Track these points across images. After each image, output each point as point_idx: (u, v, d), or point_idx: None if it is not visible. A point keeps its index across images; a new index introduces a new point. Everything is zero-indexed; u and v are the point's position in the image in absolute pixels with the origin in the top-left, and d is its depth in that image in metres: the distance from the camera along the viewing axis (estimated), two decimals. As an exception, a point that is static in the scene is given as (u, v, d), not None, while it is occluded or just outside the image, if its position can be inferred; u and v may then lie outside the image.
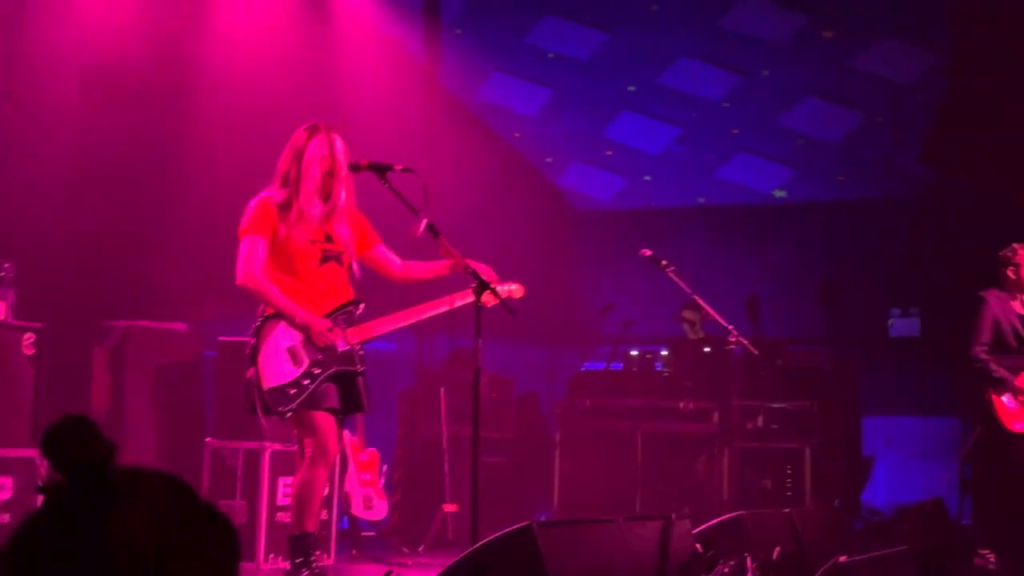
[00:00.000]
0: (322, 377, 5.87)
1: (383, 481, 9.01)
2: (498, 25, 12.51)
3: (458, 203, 11.66)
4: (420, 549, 9.18)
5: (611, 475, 10.27)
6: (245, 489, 7.73)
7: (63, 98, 9.00)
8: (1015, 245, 8.64)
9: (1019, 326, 8.57)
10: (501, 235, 13.02)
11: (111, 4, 9.34)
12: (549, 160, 14.88)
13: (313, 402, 5.86)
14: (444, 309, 6.15)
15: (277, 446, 7.65)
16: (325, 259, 6.01)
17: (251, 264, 5.89)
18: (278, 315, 5.88)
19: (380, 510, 8.92)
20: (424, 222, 5.71)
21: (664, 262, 7.94)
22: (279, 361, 5.84)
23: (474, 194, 12.89)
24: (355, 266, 6.17)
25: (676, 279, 7.92)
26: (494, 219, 13.03)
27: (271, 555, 7.79)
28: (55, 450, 1.77)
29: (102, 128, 9.13)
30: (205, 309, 9.23)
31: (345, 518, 8.82)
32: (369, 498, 8.83)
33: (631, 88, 13.24)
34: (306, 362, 5.86)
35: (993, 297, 8.66)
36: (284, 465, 7.80)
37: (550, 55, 12.79)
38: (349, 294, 6.10)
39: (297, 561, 5.94)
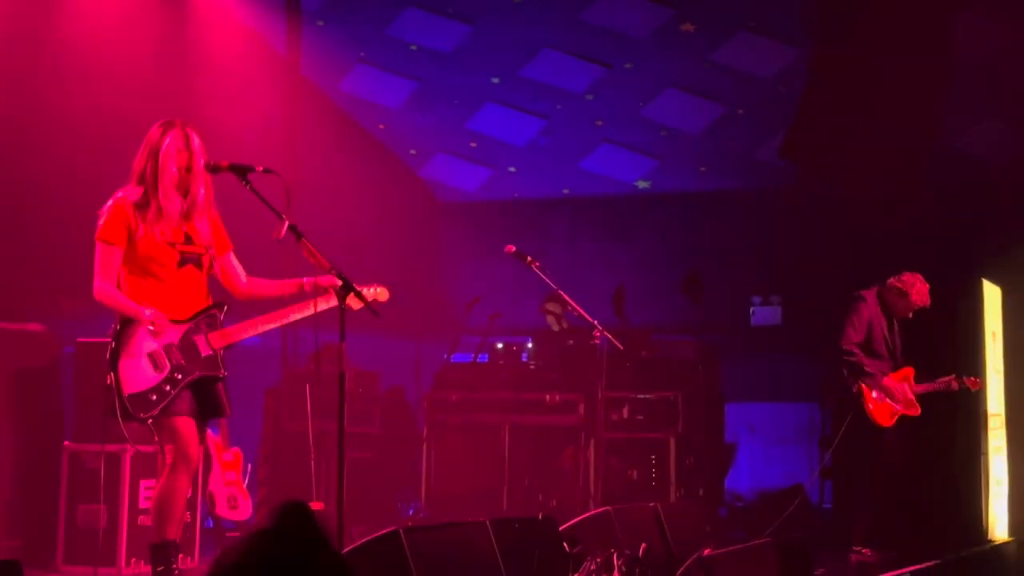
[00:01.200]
0: (184, 383, 5.78)
1: (247, 480, 8.91)
2: (361, 16, 12.41)
3: (322, 197, 11.57)
4: (286, 548, 9.10)
5: (479, 468, 10.29)
6: (106, 492, 7.57)
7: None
8: (905, 276, 9.07)
9: (888, 336, 9.03)
10: (366, 228, 12.95)
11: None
12: (413, 152, 14.82)
13: (174, 408, 5.76)
14: (307, 313, 6.09)
15: (139, 447, 7.50)
16: (184, 262, 5.90)
17: (105, 277, 5.78)
18: (133, 323, 5.77)
19: (245, 509, 8.82)
20: (286, 224, 5.63)
21: (529, 258, 7.97)
22: (140, 366, 5.73)
23: (339, 187, 12.80)
24: (216, 267, 6.08)
25: (541, 275, 7.95)
26: (359, 212, 12.95)
27: (132, 559, 7.65)
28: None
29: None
30: (62, 308, 9.02)
31: (210, 518, 8.70)
32: (234, 497, 8.73)
33: (495, 80, 13.24)
34: (168, 367, 5.76)
35: (871, 299, 9.04)
36: (146, 468, 7.67)
37: (413, 47, 12.73)
38: (211, 297, 6.01)
39: (159, 570, 5.84)
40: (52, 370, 8.33)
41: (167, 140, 5.87)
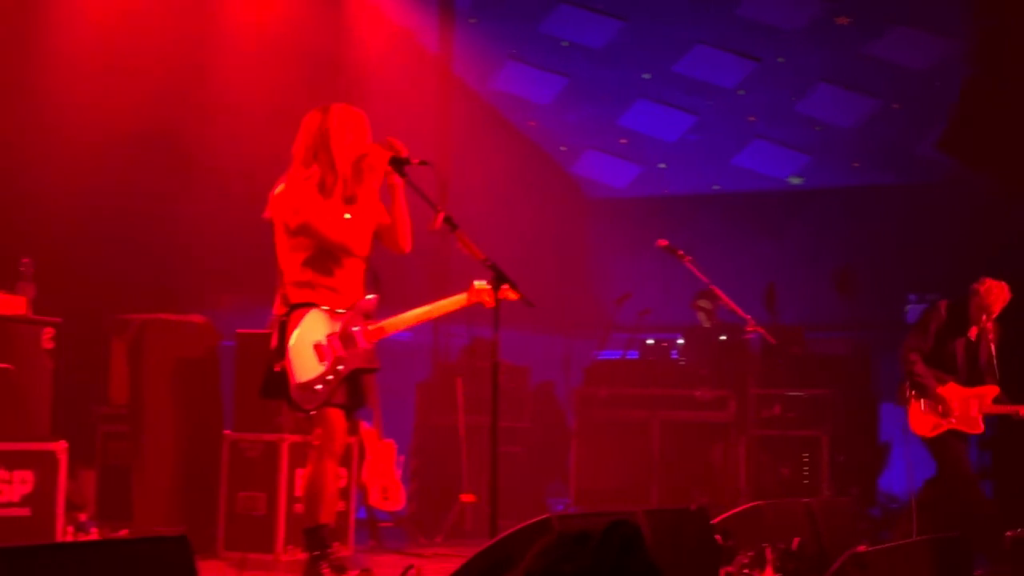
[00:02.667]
0: (343, 374, 5.85)
1: (400, 471, 9.03)
2: (512, 14, 12.48)
3: (473, 193, 11.67)
4: (438, 539, 9.21)
5: (628, 464, 10.29)
6: (264, 481, 7.74)
7: (80, 95, 9.02)
8: (985, 279, 8.75)
9: (964, 348, 8.77)
10: (517, 224, 13.02)
11: (123, 4, 9.35)
12: (564, 148, 14.86)
13: (332, 399, 5.85)
14: (461, 306, 6.14)
15: (295, 438, 7.66)
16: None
17: (350, 236, 5.86)
18: (303, 307, 5.85)
19: (398, 500, 8.93)
20: (442, 215, 5.71)
21: (680, 251, 7.95)
22: (307, 357, 5.81)
23: (489, 184, 12.89)
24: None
25: (692, 268, 7.93)
26: (509, 208, 13.03)
27: (289, 546, 7.81)
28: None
29: (118, 124, 9.15)
30: (223, 301, 9.25)
31: (363, 509, 8.83)
32: (386, 488, 8.84)
33: (646, 76, 13.21)
34: (330, 359, 5.83)
35: (943, 308, 8.86)
36: (303, 457, 7.82)
37: (564, 43, 12.76)
38: (368, 289, 6.06)
39: (315, 554, 5.95)
40: (212, 360, 8.54)
41: (335, 122, 5.94)
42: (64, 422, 7.22)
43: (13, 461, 6.71)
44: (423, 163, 5.92)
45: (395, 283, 6.44)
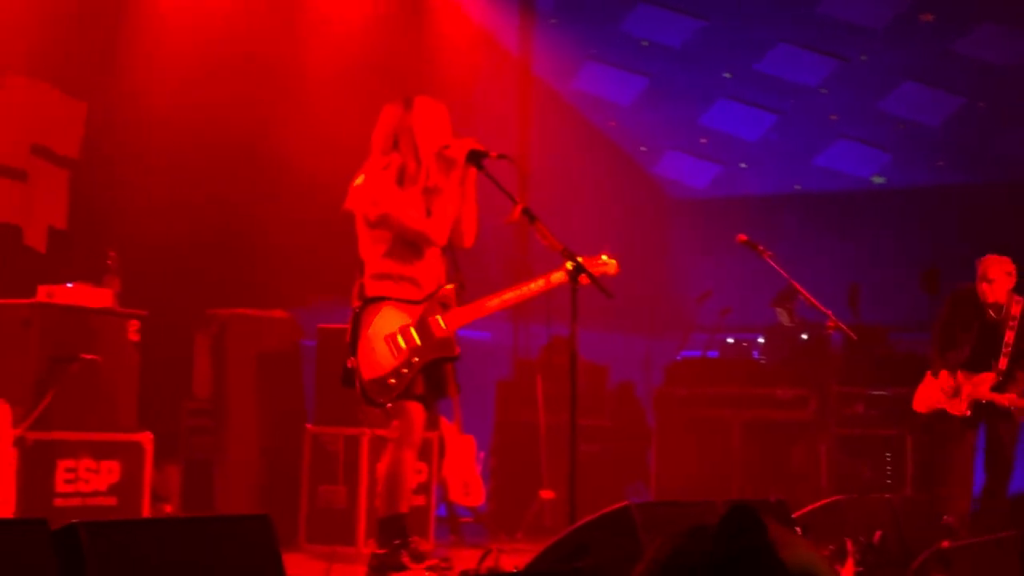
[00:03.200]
0: (419, 366, 5.85)
1: (480, 468, 9.06)
2: (593, 14, 12.49)
3: (552, 192, 11.69)
4: (518, 535, 9.23)
5: (708, 463, 10.25)
6: (345, 474, 7.82)
7: (167, 93, 9.16)
8: (988, 257, 8.65)
9: (977, 333, 8.60)
10: (596, 224, 13.02)
11: (207, 5, 9.48)
12: (644, 149, 14.84)
13: (407, 391, 5.87)
14: (540, 291, 6.12)
15: (376, 431, 7.72)
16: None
17: (429, 226, 5.90)
18: (377, 300, 5.88)
19: (478, 496, 8.96)
20: (520, 207, 5.73)
21: (761, 247, 7.91)
22: (379, 350, 5.83)
23: (569, 184, 12.90)
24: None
25: (773, 264, 7.89)
26: (590, 209, 13.02)
27: (370, 539, 7.86)
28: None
29: (203, 120, 9.28)
30: (305, 297, 9.34)
31: (443, 504, 8.87)
32: (467, 484, 8.88)
33: (727, 75, 13.16)
34: (405, 351, 5.84)
35: (957, 293, 8.81)
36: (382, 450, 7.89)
37: (644, 43, 12.75)
38: (447, 278, 6.06)
39: (395, 543, 5.98)
40: (295, 355, 8.64)
41: (419, 113, 5.98)
42: (150, 415, 7.34)
43: (101, 451, 6.84)
44: (502, 157, 5.94)
45: (474, 275, 6.45)
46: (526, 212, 5.72)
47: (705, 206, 15.08)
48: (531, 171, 11.35)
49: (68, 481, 6.67)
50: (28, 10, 8.37)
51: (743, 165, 14.70)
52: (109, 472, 6.87)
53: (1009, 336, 8.48)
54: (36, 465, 6.53)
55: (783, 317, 11.14)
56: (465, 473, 8.90)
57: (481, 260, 6.94)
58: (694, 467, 10.32)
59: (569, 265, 5.72)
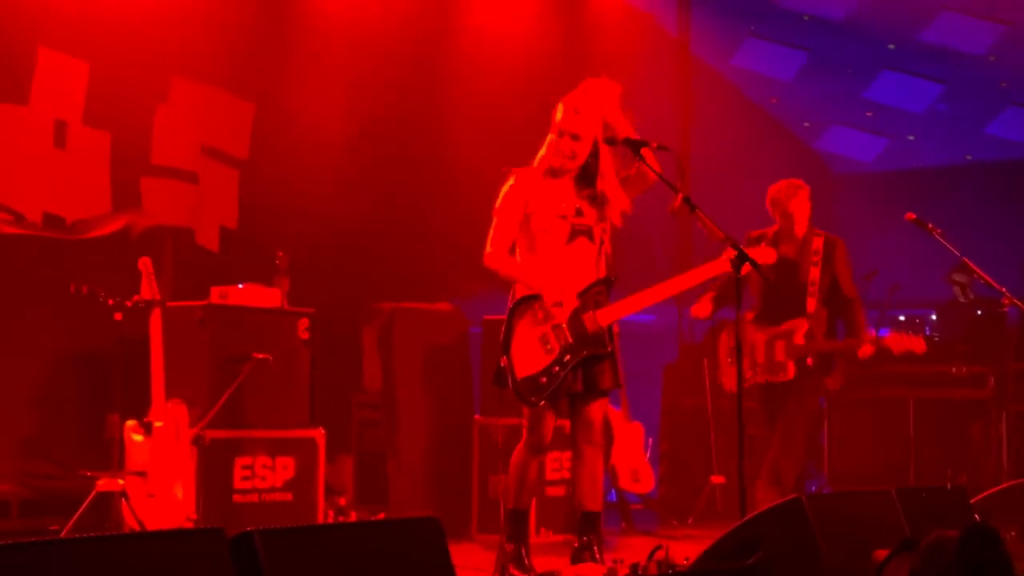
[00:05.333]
0: (572, 363, 5.80)
1: (649, 454, 9.04)
2: (751, -10, 12.34)
3: (716, 172, 11.58)
4: (689, 521, 9.19)
5: (882, 444, 10.07)
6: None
7: (329, 90, 9.31)
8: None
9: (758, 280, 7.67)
10: (760, 202, 12.86)
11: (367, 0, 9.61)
12: (807, 124, 14.60)
13: (560, 389, 5.82)
14: (698, 282, 6.09)
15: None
16: (574, 235, 5.94)
17: (496, 245, 5.94)
18: (530, 300, 5.88)
19: (647, 482, 8.95)
20: (680, 197, 5.69)
21: (930, 225, 7.73)
22: (531, 349, 5.81)
23: (732, 162, 12.76)
24: (607, 241, 6.08)
25: (943, 242, 7.69)
26: (753, 186, 12.85)
27: (542, 528, 7.91)
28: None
29: (366, 119, 9.42)
30: (470, 288, 9.41)
31: (612, 491, 8.88)
32: (636, 471, 8.87)
33: (891, 47, 12.87)
34: (557, 349, 5.80)
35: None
36: (552, 440, 7.92)
37: (805, 17, 12.53)
38: (600, 271, 6.02)
39: (508, 534, 6.00)
40: (462, 347, 8.71)
41: (560, 115, 5.98)
42: (322, 410, 7.48)
43: (275, 448, 7.00)
44: (661, 148, 5.90)
45: (638, 264, 6.43)
46: (686, 201, 5.68)
47: (872, 180, 14.78)
48: (692, 151, 11.26)
49: (245, 478, 6.84)
50: (196, 15, 8.59)
51: (911, 137, 14.36)
52: (284, 468, 7.02)
53: (814, 271, 7.72)
54: (214, 464, 6.71)
55: (957, 293, 10.87)
56: (634, 460, 8.89)
57: (645, 249, 6.90)
58: (868, 448, 10.14)
59: (731, 253, 5.66)
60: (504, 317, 5.88)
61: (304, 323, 7.30)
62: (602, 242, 6.01)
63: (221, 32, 8.74)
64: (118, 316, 6.47)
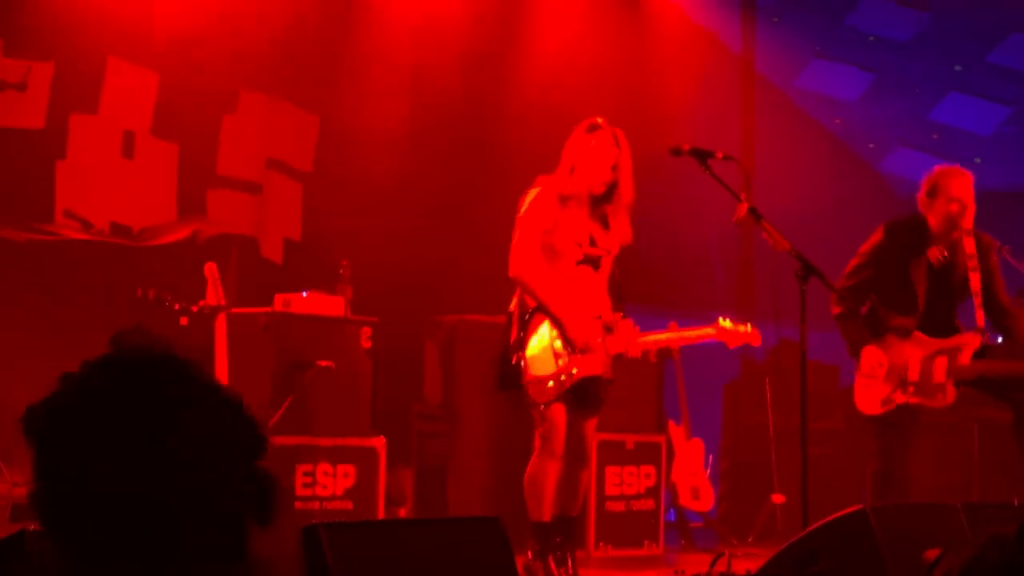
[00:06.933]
0: (576, 378, 5.95)
1: (709, 471, 8.99)
2: (816, 10, 12.28)
3: (777, 191, 11.52)
4: (749, 540, 9.12)
5: (945, 464, 9.95)
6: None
7: (392, 101, 9.36)
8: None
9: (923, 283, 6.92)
10: (823, 223, 12.79)
11: (428, 11, 9.65)
12: (872, 146, 14.50)
13: (560, 397, 5.95)
14: (707, 339, 6.25)
15: (604, 436, 7.71)
16: (582, 261, 6.06)
17: (523, 255, 6.00)
18: (544, 310, 5.97)
19: (707, 500, 8.90)
20: (745, 206, 5.69)
21: (999, 245, 7.65)
22: (544, 354, 5.96)
23: (795, 183, 12.70)
24: (617, 272, 6.22)
25: (1013, 261, 7.62)
26: (816, 208, 12.80)
27: (601, 543, 7.89)
28: None
29: (427, 130, 9.46)
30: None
31: (672, 509, 8.83)
32: (696, 488, 8.83)
33: (958, 68, 12.77)
34: (567, 360, 5.94)
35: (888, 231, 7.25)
36: (612, 455, 7.92)
37: (871, 38, 12.47)
38: (605, 301, 6.11)
39: (535, 549, 6.04)
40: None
41: (594, 140, 6.03)
42: (383, 420, 7.50)
43: (337, 456, 7.02)
44: (727, 158, 5.94)
45: (699, 274, 6.43)
46: (752, 211, 5.68)
47: (937, 203, 14.65)
48: (755, 170, 11.21)
49: (306, 485, 6.87)
50: (261, 28, 8.67)
51: (977, 160, 14.23)
52: (345, 476, 7.04)
53: (975, 278, 6.69)
54: (276, 469, 6.71)
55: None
56: (693, 477, 8.85)
57: (707, 260, 6.88)
58: (930, 470, 10.02)
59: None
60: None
61: (367, 332, 7.33)
62: (613, 273, 6.13)
63: (288, 45, 8.82)
64: (183, 321, 6.53)
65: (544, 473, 6.06)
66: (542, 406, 5.94)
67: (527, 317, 6.01)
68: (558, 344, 5.95)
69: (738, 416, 10.21)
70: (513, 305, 6.14)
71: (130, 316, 7.21)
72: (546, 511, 6.08)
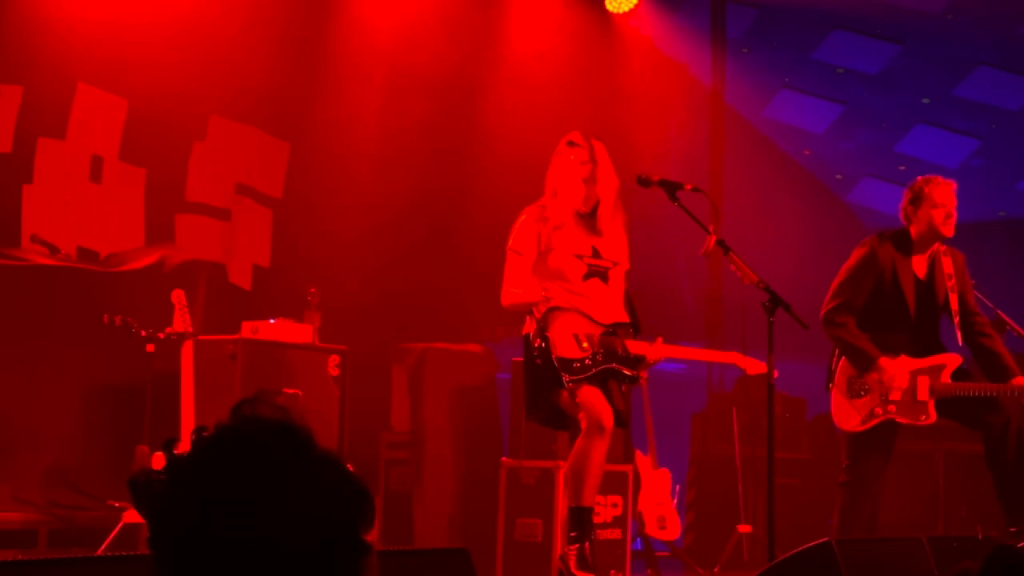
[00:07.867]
0: (602, 364, 5.95)
1: (676, 501, 8.99)
2: (786, 42, 12.37)
3: (747, 222, 11.58)
4: (715, 570, 9.12)
5: (911, 496, 9.98)
6: (540, 507, 7.83)
7: (362, 129, 9.37)
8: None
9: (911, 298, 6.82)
10: (791, 253, 12.86)
11: (399, 39, 9.67)
12: (839, 177, 14.59)
13: (589, 380, 5.93)
14: (726, 362, 6.26)
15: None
16: (589, 275, 6.08)
17: (513, 285, 6.03)
18: (563, 309, 5.98)
19: (674, 530, 8.89)
20: (714, 239, 5.71)
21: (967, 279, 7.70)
22: (567, 340, 5.97)
23: (763, 213, 12.77)
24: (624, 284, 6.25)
25: (978, 295, 7.68)
26: (783, 237, 12.87)
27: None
28: None
29: (397, 158, 9.47)
30: (497, 335, 9.42)
31: (639, 539, 8.82)
32: (662, 518, 8.82)
33: (925, 100, 12.88)
34: (590, 348, 5.97)
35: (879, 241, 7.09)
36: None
37: (839, 70, 12.57)
38: (620, 312, 6.14)
39: (572, 535, 6.00)
40: (491, 388, 8.71)
41: (568, 158, 6.07)
42: (350, 447, 7.47)
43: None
44: (695, 189, 5.96)
45: (668, 307, 6.46)
46: (720, 243, 5.70)
47: (904, 234, 14.74)
48: (724, 200, 11.26)
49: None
50: (231, 54, 8.67)
51: (944, 192, 14.33)
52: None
53: (953, 293, 6.66)
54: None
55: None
56: (660, 507, 8.84)
57: (675, 291, 6.90)
58: (896, 501, 10.05)
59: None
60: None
61: (335, 360, 7.32)
62: (618, 283, 6.15)
63: (259, 72, 8.82)
64: (150, 348, 6.51)
65: (591, 453, 5.91)
66: (571, 384, 5.87)
67: (545, 315, 6.01)
68: (581, 334, 5.98)
69: (705, 446, 10.22)
70: (527, 326, 6.14)
71: (96, 343, 7.18)
72: (586, 496, 6.02)
